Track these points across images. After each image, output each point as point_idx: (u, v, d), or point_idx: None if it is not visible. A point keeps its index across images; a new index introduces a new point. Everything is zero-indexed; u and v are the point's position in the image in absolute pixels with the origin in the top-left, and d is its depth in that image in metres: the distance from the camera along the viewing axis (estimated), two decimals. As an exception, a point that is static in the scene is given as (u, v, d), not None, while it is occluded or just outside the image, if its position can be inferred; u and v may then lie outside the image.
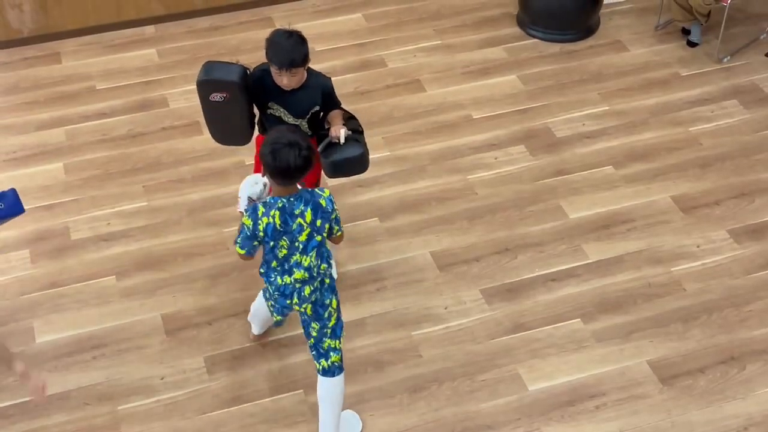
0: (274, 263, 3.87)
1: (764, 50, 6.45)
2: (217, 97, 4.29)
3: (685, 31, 6.54)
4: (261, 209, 3.75)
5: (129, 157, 5.67)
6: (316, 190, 3.82)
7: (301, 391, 4.46)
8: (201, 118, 5.88)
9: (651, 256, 5.07)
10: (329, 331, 4.01)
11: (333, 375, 4.05)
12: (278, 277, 3.89)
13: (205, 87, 4.29)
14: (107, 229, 5.23)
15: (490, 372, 4.54)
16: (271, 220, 3.73)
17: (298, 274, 3.85)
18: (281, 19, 6.64)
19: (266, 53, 4.22)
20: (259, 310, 4.41)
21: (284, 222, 3.74)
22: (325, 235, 3.85)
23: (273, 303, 4.00)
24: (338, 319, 4.04)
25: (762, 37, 6.57)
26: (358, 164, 4.38)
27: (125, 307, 4.83)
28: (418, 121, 5.90)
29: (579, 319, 4.76)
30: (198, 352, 4.62)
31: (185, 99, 6.05)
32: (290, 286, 3.89)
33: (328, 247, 4.04)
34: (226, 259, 5.04)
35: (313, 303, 3.95)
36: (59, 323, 4.75)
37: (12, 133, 5.83)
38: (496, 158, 5.65)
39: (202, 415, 4.37)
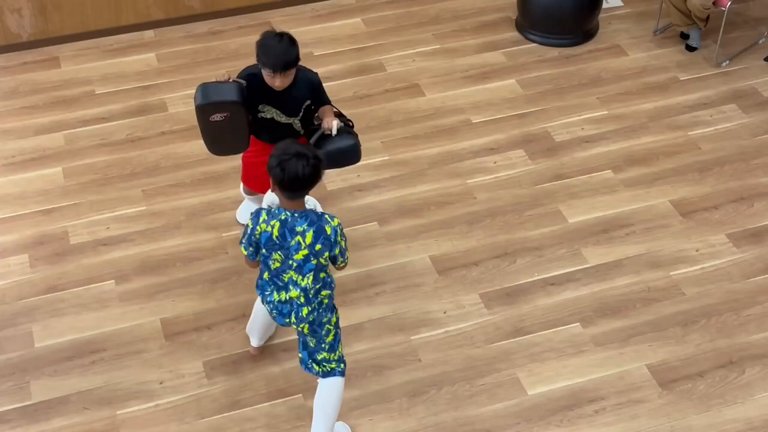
0: (266, 275, 3.86)
1: (763, 54, 6.46)
2: (217, 117, 4.31)
3: (684, 36, 6.55)
4: (264, 216, 3.74)
5: (128, 161, 5.67)
6: (326, 215, 3.77)
7: (300, 395, 4.45)
8: (200, 123, 5.88)
9: (650, 260, 5.07)
10: (326, 346, 4.01)
11: (332, 376, 4.06)
12: (274, 292, 3.88)
13: (205, 110, 4.32)
14: (106, 233, 5.22)
15: (490, 376, 4.54)
16: (269, 229, 3.72)
17: (294, 292, 3.83)
18: (280, 23, 6.64)
19: (258, 57, 4.25)
20: (256, 316, 4.42)
21: (282, 236, 3.72)
22: (323, 261, 3.79)
23: (272, 316, 4.00)
24: (336, 335, 4.02)
25: (761, 41, 6.58)
26: (350, 154, 4.38)
27: (124, 311, 4.83)
28: (417, 125, 5.90)
29: (578, 324, 4.76)
30: (197, 357, 4.62)
31: (184, 103, 6.05)
32: (287, 305, 3.87)
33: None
34: (225, 264, 5.04)
35: (311, 323, 3.94)
36: (58, 328, 4.75)
37: (11, 137, 5.83)
38: (495, 162, 5.65)
39: (201, 420, 4.37)
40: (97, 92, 6.17)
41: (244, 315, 4.77)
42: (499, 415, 4.38)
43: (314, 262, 3.76)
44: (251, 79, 4.36)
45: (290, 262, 3.77)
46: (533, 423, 4.35)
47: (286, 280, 3.82)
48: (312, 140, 4.33)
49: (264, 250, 3.78)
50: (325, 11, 6.85)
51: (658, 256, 5.10)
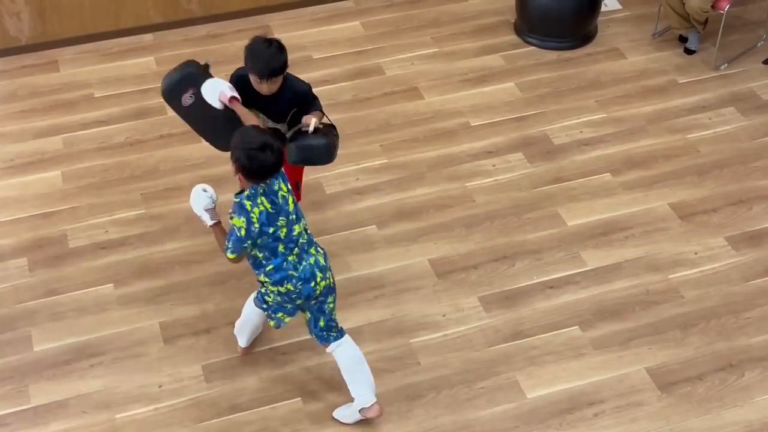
0: (280, 247, 3.90)
1: (761, 57, 6.46)
2: (187, 98, 4.33)
3: (683, 39, 6.55)
4: (247, 204, 3.82)
5: (127, 164, 5.67)
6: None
7: (299, 398, 4.45)
8: (199, 126, 5.88)
9: (649, 263, 5.07)
10: (333, 303, 4.13)
11: (340, 335, 4.19)
12: (297, 265, 3.94)
13: (171, 95, 4.35)
14: (105, 236, 5.22)
15: (489, 379, 4.53)
16: (262, 207, 3.82)
17: (305, 239, 3.96)
18: (279, 26, 6.65)
19: (246, 62, 4.28)
20: (249, 320, 4.43)
21: (272, 202, 3.84)
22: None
23: (290, 303, 4.03)
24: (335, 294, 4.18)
25: (759, 44, 6.58)
26: (321, 153, 4.40)
27: (123, 315, 4.82)
28: (416, 128, 5.91)
29: (577, 327, 4.76)
30: (196, 360, 4.62)
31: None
32: (309, 268, 3.96)
33: None
34: (223, 267, 5.04)
35: (331, 269, 4.08)
36: (57, 331, 4.74)
37: (10, 141, 5.83)
38: (494, 165, 5.65)
39: (200, 423, 4.36)
40: (96, 95, 6.17)
41: (243, 318, 4.78)
42: (498, 418, 4.38)
43: (292, 198, 3.93)
44: (240, 81, 4.40)
45: (290, 217, 3.89)
46: (532, 426, 4.34)
47: (295, 235, 3.91)
48: (288, 134, 4.40)
49: (271, 229, 3.84)
50: (324, 15, 6.85)
51: (657, 259, 5.10)
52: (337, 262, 5.02)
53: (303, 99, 4.43)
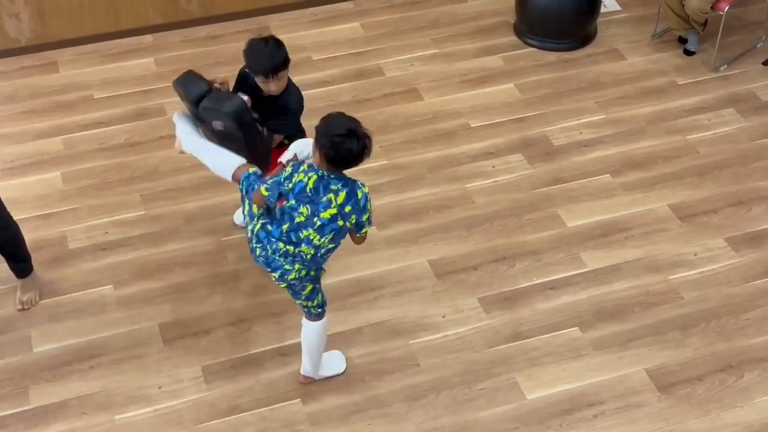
0: (285, 226, 3.89)
1: (761, 58, 6.47)
2: (218, 125, 4.34)
3: (682, 40, 6.55)
4: (305, 167, 3.83)
5: (127, 165, 5.67)
6: (358, 182, 3.88)
7: (299, 400, 4.45)
8: (199, 127, 5.88)
9: (649, 264, 5.07)
10: (303, 297, 4.15)
11: (310, 317, 4.24)
12: (280, 242, 3.92)
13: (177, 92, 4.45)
14: (105, 238, 5.22)
15: (488, 381, 4.53)
16: (306, 179, 3.81)
17: (305, 248, 3.89)
18: (278, 27, 6.65)
19: (248, 65, 4.30)
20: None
21: (316, 189, 3.81)
22: (349, 224, 3.88)
23: (254, 255, 4.05)
24: (313, 290, 4.12)
25: (759, 45, 6.58)
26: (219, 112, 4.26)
27: (123, 316, 4.82)
28: (415, 129, 5.91)
29: (577, 328, 4.76)
30: (196, 361, 4.62)
31: (183, 108, 6.04)
32: (279, 261, 3.94)
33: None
34: (223, 268, 5.04)
35: (289, 285, 4.07)
36: (57, 333, 4.74)
37: (9, 142, 5.83)
38: (493, 167, 5.65)
39: (199, 425, 4.36)
40: (95, 97, 6.17)
41: (243, 320, 4.77)
42: (498, 419, 4.38)
43: (340, 223, 3.84)
44: (243, 81, 4.43)
45: (315, 219, 3.84)
46: (532, 427, 4.34)
47: (302, 237, 3.88)
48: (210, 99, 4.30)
49: (293, 201, 3.84)
50: (323, 15, 6.86)
51: (657, 260, 5.10)
52: (337, 262, 5.02)
53: (283, 111, 4.42)
